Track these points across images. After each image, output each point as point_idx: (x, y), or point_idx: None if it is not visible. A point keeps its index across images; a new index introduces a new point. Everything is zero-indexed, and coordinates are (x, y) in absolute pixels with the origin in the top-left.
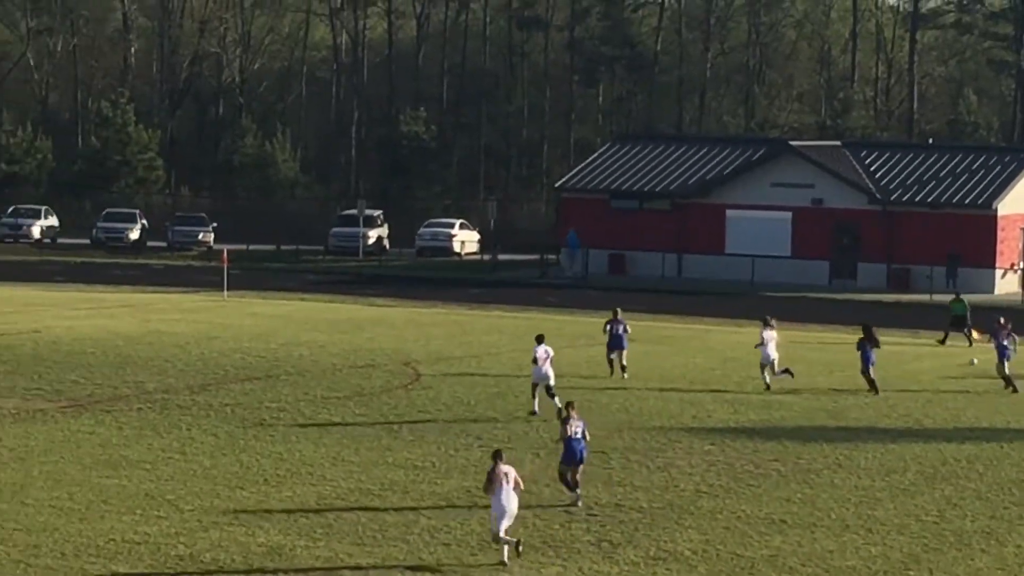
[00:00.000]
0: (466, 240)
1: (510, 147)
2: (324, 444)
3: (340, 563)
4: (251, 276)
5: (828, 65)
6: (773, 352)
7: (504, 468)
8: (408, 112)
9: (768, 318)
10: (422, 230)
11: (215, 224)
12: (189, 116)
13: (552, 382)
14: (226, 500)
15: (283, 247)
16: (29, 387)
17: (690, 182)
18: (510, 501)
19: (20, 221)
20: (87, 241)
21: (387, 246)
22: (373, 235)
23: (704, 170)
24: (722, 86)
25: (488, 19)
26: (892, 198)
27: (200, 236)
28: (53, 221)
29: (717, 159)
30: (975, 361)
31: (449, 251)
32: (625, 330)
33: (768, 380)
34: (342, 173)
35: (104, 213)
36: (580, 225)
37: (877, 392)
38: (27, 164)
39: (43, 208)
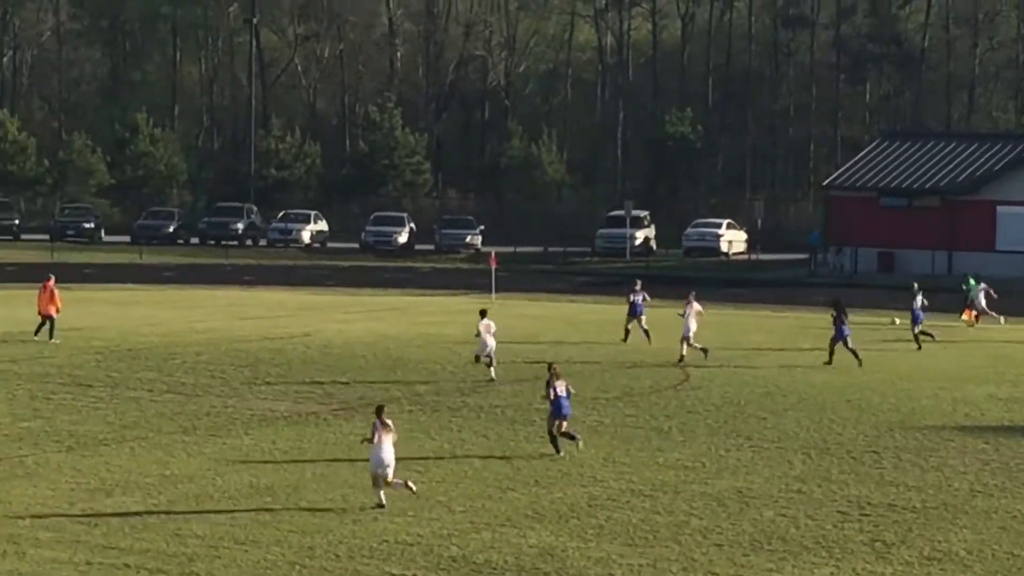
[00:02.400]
0: (733, 240)
1: (776, 146)
2: (594, 445)
3: (612, 564)
4: (518, 278)
5: None
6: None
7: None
8: (673, 112)
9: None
10: (689, 230)
11: (482, 227)
12: (455, 119)
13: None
14: (497, 501)
15: (550, 249)
16: (301, 390)
17: (959, 179)
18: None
19: (290, 226)
20: (356, 245)
21: (654, 247)
22: (640, 236)
23: (974, 166)
24: (991, 81)
25: (753, 18)
26: None
27: (468, 239)
28: (322, 225)
29: (987, 155)
30: None
31: (716, 251)
32: (644, 299)
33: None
34: (608, 174)
35: (372, 217)
36: (849, 223)
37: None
38: (296, 169)
39: (312, 213)
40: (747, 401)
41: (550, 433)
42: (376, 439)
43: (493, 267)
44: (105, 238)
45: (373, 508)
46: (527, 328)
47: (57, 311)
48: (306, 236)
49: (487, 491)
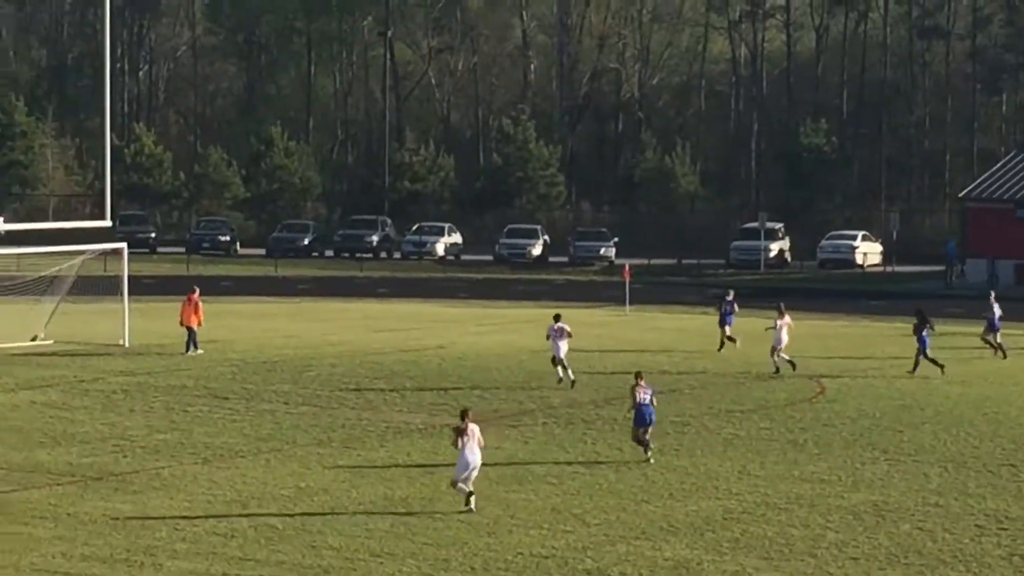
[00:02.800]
0: (868, 252)
1: (912, 157)
2: (729, 458)
3: None
4: (652, 290)
5: None
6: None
7: (471, 425)
8: (808, 124)
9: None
10: (824, 242)
11: (616, 239)
12: (589, 131)
13: (563, 354)
14: (632, 514)
15: (684, 261)
16: (435, 402)
17: None
18: (474, 455)
19: (424, 238)
20: (490, 257)
21: (788, 259)
22: (774, 248)
23: None
24: None
25: (888, 29)
26: None
27: (601, 251)
28: (456, 238)
29: None
30: None
31: (851, 263)
32: (734, 309)
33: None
34: (742, 186)
35: (506, 229)
36: (985, 235)
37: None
38: (430, 182)
39: (446, 225)
40: (883, 414)
41: (635, 439)
42: (461, 443)
43: (627, 279)
44: (240, 251)
45: (461, 511)
46: (660, 340)
47: (199, 324)
48: (440, 248)
49: (621, 503)
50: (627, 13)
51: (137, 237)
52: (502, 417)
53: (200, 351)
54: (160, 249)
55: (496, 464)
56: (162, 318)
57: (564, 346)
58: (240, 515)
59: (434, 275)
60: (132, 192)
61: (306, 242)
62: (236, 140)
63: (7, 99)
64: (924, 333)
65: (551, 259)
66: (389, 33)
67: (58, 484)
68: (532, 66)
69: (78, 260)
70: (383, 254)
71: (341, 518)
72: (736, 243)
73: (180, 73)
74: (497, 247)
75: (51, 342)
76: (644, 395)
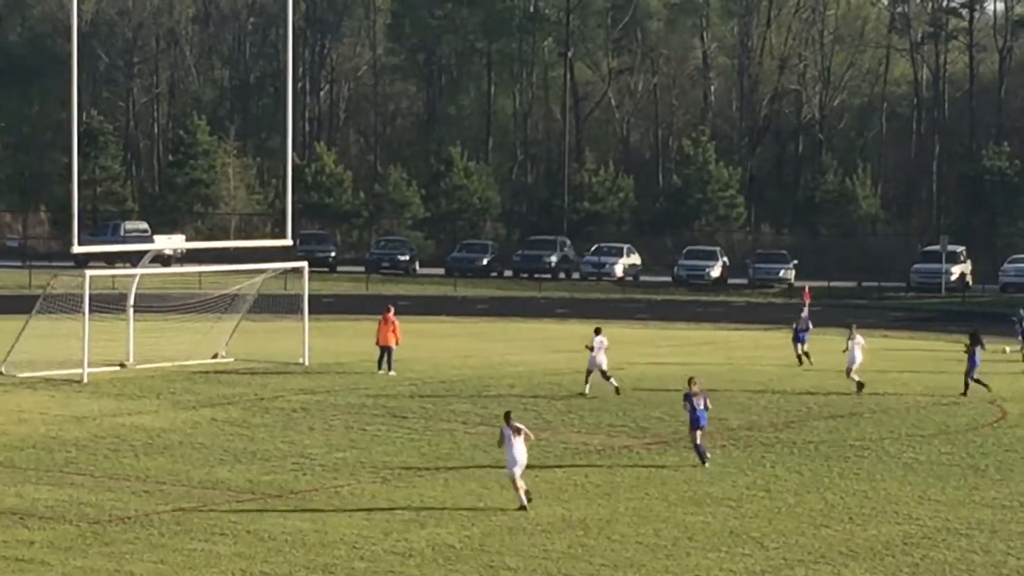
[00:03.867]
0: None
1: None
2: (909, 482)
3: None
4: (832, 313)
5: None
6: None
7: (516, 425)
8: (991, 147)
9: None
10: (1006, 265)
11: (796, 261)
12: (769, 153)
13: (605, 367)
14: (811, 538)
15: (864, 284)
16: (614, 423)
17: None
18: (521, 452)
19: (603, 259)
20: (668, 279)
21: (970, 282)
22: (956, 271)
23: None
24: None
25: None
26: None
27: (781, 273)
28: (635, 259)
29: None
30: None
31: None
32: (807, 328)
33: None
34: (923, 208)
35: (685, 251)
36: None
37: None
38: (609, 202)
39: (625, 246)
40: None
41: (693, 444)
42: (507, 442)
43: (807, 302)
44: (419, 270)
45: (516, 510)
46: (840, 363)
47: (398, 342)
48: (619, 269)
49: (800, 527)
50: (808, 34)
51: (317, 256)
52: (680, 439)
53: (393, 372)
54: (340, 268)
55: (675, 486)
56: (341, 337)
57: (604, 360)
58: (418, 534)
59: (612, 296)
60: (313, 211)
61: (485, 262)
62: (416, 160)
63: (190, 118)
64: (976, 354)
65: (730, 281)
66: (569, 53)
67: (238, 501)
68: (712, 87)
69: (259, 278)
70: (561, 274)
71: (519, 538)
72: (917, 266)
73: (361, 93)
74: (676, 268)
75: (232, 360)
76: (699, 402)
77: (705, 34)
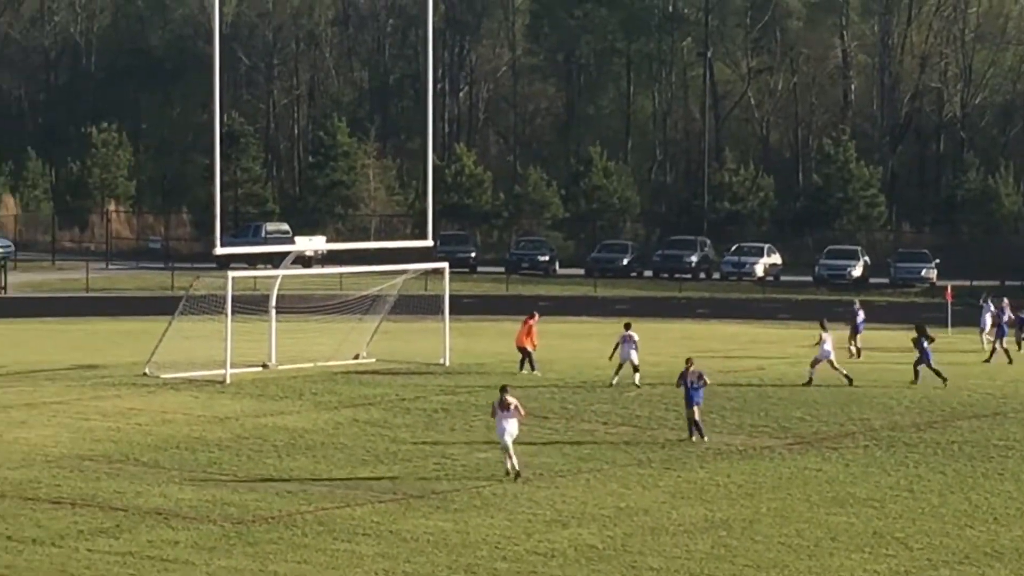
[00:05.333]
0: None
1: None
2: None
3: None
4: (975, 312)
5: None
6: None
7: (508, 399)
8: None
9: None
10: None
11: (937, 260)
12: (910, 152)
13: (636, 361)
14: (955, 539)
15: (1007, 283)
16: (756, 424)
17: None
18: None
19: (743, 259)
20: (809, 278)
21: None
22: None
23: None
24: None
25: None
26: None
27: (923, 272)
28: (775, 259)
29: None
30: None
31: None
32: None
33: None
34: None
35: (826, 250)
36: None
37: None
38: (749, 202)
39: (765, 246)
40: None
41: (689, 420)
42: (497, 415)
43: (949, 301)
44: (559, 271)
45: (504, 476)
46: (990, 365)
47: (534, 346)
48: (759, 269)
49: (945, 528)
50: (949, 32)
51: (457, 257)
52: (822, 439)
53: (537, 372)
54: (480, 269)
55: (817, 486)
56: (481, 337)
57: (635, 354)
58: (560, 535)
59: (753, 296)
60: (453, 212)
61: (625, 262)
62: (555, 160)
63: (330, 120)
64: (925, 345)
65: (871, 280)
66: (709, 53)
67: (380, 501)
68: (852, 86)
69: (399, 279)
70: (702, 274)
71: (661, 539)
72: None
73: (500, 93)
74: (816, 268)
75: (373, 360)
76: (693, 379)
77: (845, 32)
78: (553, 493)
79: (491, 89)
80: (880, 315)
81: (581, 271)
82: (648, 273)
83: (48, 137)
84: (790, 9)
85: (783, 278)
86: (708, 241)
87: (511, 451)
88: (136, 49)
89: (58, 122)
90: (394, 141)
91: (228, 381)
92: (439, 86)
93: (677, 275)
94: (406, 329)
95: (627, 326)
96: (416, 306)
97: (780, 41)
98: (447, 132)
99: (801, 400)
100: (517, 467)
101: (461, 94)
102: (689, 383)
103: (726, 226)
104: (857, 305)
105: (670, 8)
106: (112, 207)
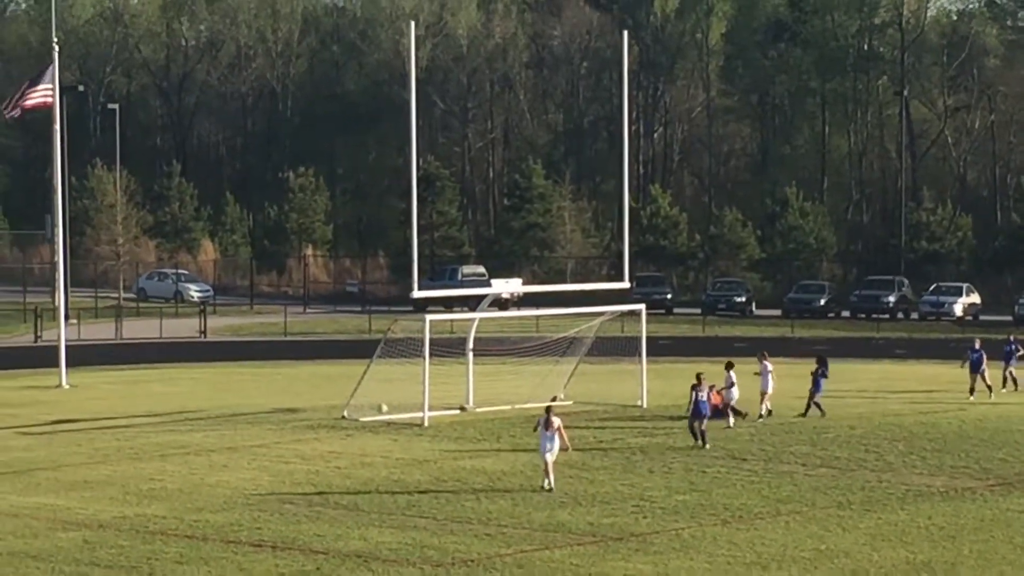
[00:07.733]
0: None
1: None
2: None
3: None
4: None
5: None
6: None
7: (553, 419)
8: None
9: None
10: None
11: None
12: None
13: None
14: None
15: None
16: (956, 465)
17: None
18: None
19: (941, 299)
20: (1009, 318)
21: None
22: None
23: None
24: None
25: None
26: None
27: None
28: (975, 298)
29: None
30: None
31: None
32: (982, 357)
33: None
34: None
35: None
36: None
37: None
38: (948, 241)
39: (964, 285)
40: None
41: (690, 428)
42: (542, 430)
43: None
44: (756, 312)
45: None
46: None
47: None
48: (958, 309)
49: None
50: None
51: (654, 298)
52: None
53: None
54: (676, 310)
55: (1020, 528)
56: (678, 379)
57: (736, 394)
58: None
59: (952, 335)
60: (648, 253)
61: (822, 303)
62: (750, 200)
63: (525, 162)
64: (820, 376)
65: None
66: (905, 92)
67: (579, 544)
68: None
69: (596, 321)
70: (900, 315)
71: None
72: None
73: (695, 134)
74: (1016, 307)
75: (570, 403)
76: (703, 393)
77: None
78: (753, 535)
79: (686, 130)
80: None
81: (778, 312)
82: (845, 313)
83: (246, 183)
84: (987, 47)
85: (982, 317)
86: (906, 281)
87: (550, 468)
88: (332, 94)
89: (255, 168)
90: (589, 183)
91: (426, 424)
92: (634, 128)
93: (874, 315)
94: (603, 371)
95: (729, 365)
96: (613, 348)
97: (977, 79)
98: (642, 174)
99: (1003, 441)
100: (552, 485)
101: (656, 135)
102: (699, 396)
103: (923, 265)
104: (977, 344)
105: (865, 47)
106: (309, 251)
